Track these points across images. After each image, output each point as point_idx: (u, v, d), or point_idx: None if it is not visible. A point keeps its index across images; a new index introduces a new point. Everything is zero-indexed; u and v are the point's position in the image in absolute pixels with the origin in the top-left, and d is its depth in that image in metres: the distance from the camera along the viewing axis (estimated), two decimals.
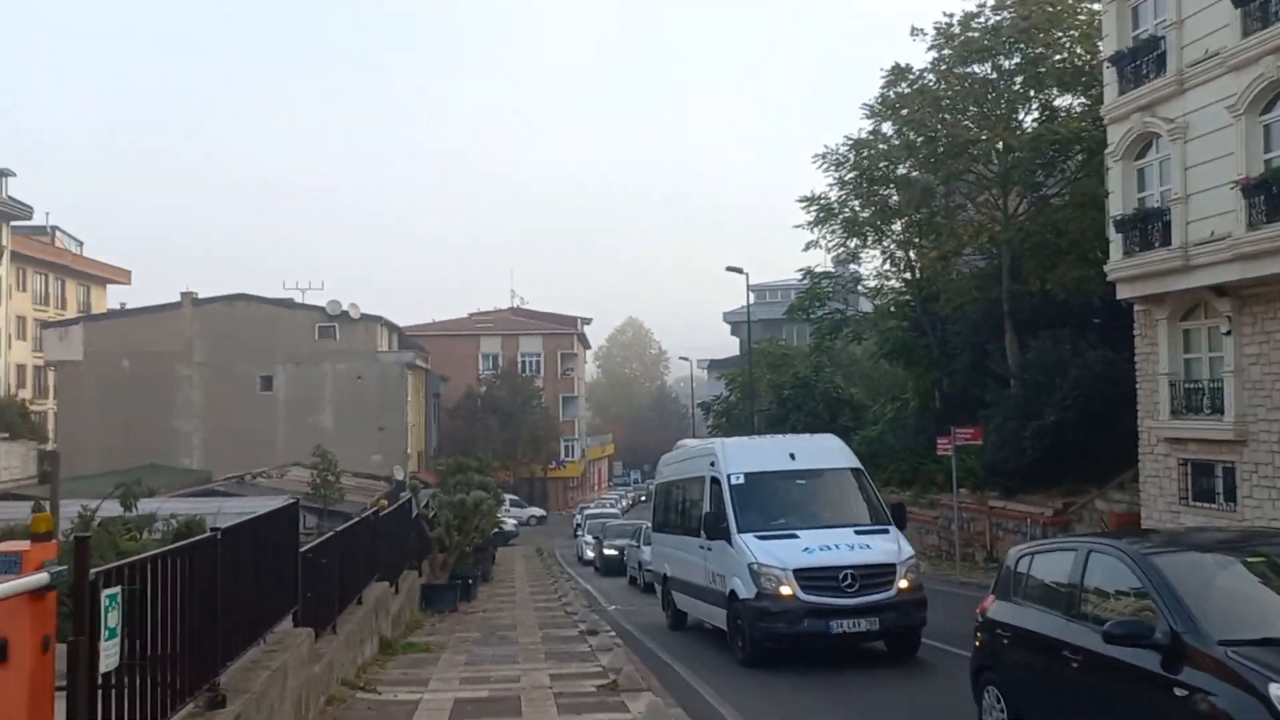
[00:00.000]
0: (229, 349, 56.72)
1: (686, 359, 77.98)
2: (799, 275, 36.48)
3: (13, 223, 59.47)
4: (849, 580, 11.80)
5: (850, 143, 31.42)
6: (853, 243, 34.23)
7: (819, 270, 35.25)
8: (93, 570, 4.71)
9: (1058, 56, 26.26)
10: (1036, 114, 27.09)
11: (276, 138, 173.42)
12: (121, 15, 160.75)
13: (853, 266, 35.79)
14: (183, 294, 58.06)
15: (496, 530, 30.77)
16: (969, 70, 27.38)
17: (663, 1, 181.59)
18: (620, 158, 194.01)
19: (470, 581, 22.23)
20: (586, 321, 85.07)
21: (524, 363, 78.56)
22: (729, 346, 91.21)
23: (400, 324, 65.07)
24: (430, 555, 21.15)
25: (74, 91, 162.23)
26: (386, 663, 12.50)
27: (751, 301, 79.52)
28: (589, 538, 36.16)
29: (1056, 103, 26.74)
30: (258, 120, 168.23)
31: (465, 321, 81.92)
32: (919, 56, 33.71)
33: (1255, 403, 17.46)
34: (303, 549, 9.36)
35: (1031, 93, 26.27)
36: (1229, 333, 17.85)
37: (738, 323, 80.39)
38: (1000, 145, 26.02)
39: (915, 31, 27.95)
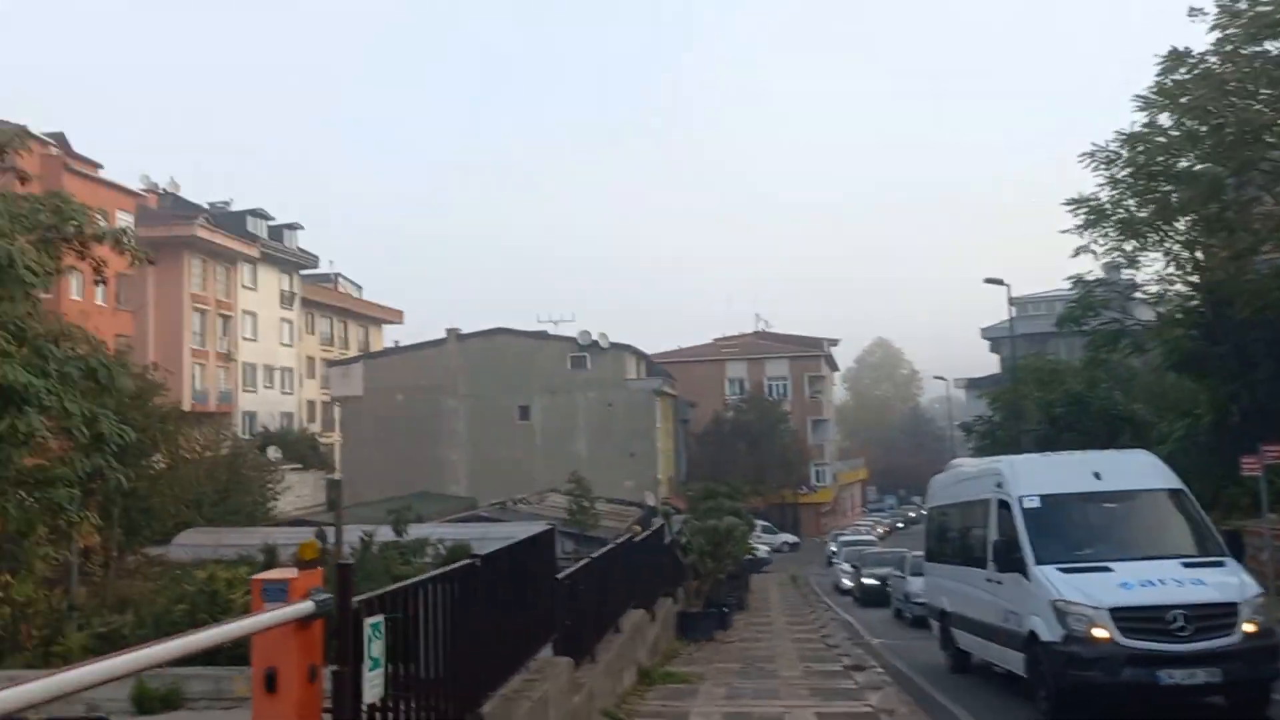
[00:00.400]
0: (490, 381, 59.60)
1: (942, 378, 74.58)
2: (1067, 285, 33.82)
3: (301, 271, 65.73)
4: (1180, 622, 9.83)
5: (1122, 138, 28.81)
6: (1129, 246, 31.31)
7: (1090, 278, 32.46)
8: (356, 599, 4.62)
9: None
10: None
11: (527, 181, 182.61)
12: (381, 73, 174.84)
13: (1128, 272, 32.73)
14: (448, 330, 61.70)
15: (749, 557, 30.28)
16: (1260, 49, 24.44)
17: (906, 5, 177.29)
18: (863, 171, 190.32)
19: (726, 610, 21.84)
20: (833, 343, 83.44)
21: (770, 387, 77.97)
22: (988, 364, 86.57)
23: (647, 351, 66.29)
24: (685, 582, 20.95)
25: (352, 149, 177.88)
26: (645, 693, 12.25)
27: (1013, 315, 75.70)
28: (845, 566, 35.02)
29: None
30: (513, 167, 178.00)
31: (710, 347, 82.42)
32: (1196, 39, 30.56)
33: None
34: (560, 575, 9.25)
35: None
36: None
37: (998, 338, 76.18)
38: None
39: (1194, 12, 25.29)
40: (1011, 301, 74.25)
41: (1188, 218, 26.85)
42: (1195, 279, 29.93)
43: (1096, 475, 11.64)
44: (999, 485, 12.01)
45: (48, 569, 15.62)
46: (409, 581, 5.31)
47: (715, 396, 75.43)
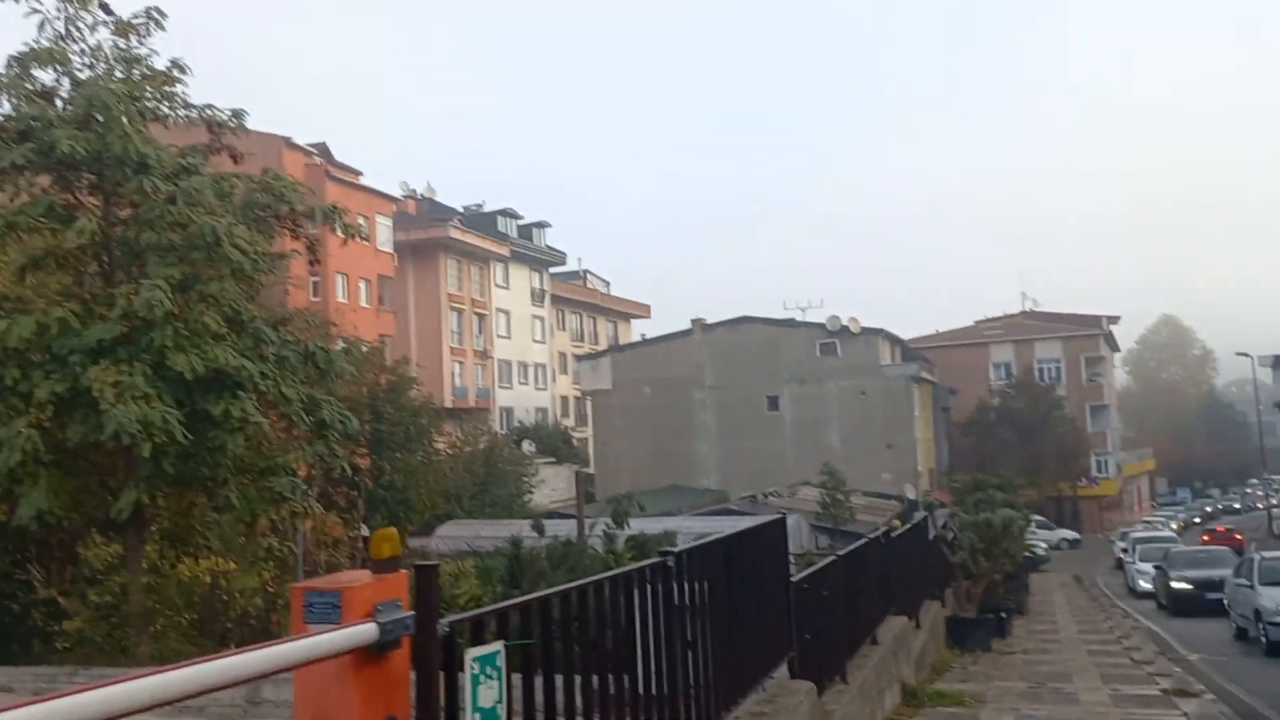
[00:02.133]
0: (736, 371, 58.18)
1: (1246, 355, 65.75)
2: None
3: (551, 269, 67.04)
4: None
5: None
6: None
7: None
8: (448, 619, 3.02)
9: None
10: None
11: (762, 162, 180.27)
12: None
13: None
14: (692, 321, 60.81)
15: (1027, 555, 27.00)
16: None
17: None
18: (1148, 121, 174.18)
19: (1004, 615, 19.12)
20: (1113, 320, 75.84)
21: (1041, 370, 71.81)
22: None
23: (902, 336, 62.64)
24: (954, 584, 18.45)
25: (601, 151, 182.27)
26: (912, 718, 10.17)
27: None
28: (1142, 565, 30.54)
29: None
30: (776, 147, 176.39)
31: (972, 330, 77.08)
32: None
33: None
34: (796, 578, 7.42)
35: None
36: None
37: None
38: None
39: None
40: None
41: None
42: None
43: None
44: None
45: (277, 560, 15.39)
46: (549, 591, 3.66)
47: (979, 382, 70.34)
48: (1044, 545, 45.14)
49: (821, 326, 58.43)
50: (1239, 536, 56.48)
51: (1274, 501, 65.74)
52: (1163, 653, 16.67)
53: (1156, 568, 26.96)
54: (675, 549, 4.82)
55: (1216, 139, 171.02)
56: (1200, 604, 23.41)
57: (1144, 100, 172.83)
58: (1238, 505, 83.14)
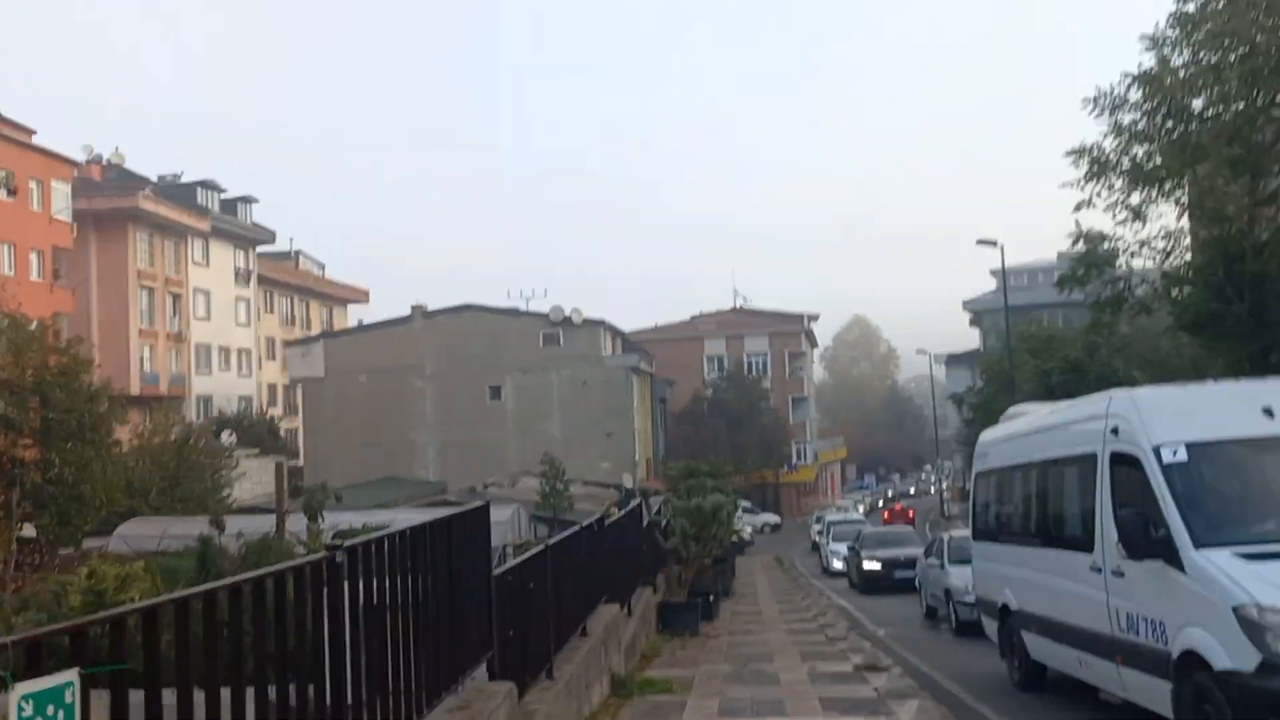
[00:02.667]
0: (458, 360, 57.10)
1: (924, 352, 72.51)
2: (1068, 243, 31.57)
3: (259, 248, 62.75)
4: None
5: (1129, 78, 26.58)
6: (1135, 198, 29.18)
7: (1094, 232, 30.24)
8: None
9: None
10: None
11: (490, 150, 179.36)
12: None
13: (1134, 226, 30.54)
14: (413, 307, 58.99)
15: (734, 539, 28.06)
16: None
17: None
18: (844, 143, 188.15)
19: (711, 598, 19.56)
20: (814, 318, 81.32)
21: (750, 363, 75.83)
22: (967, 339, 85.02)
23: (623, 329, 63.91)
24: (665, 569, 18.64)
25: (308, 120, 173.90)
26: (620, 709, 9.91)
27: (996, 287, 73.70)
28: (835, 546, 32.63)
29: None
30: (479, 131, 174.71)
31: (688, 324, 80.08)
32: None
33: None
34: (499, 570, 6.87)
35: None
36: None
37: (981, 311, 74.43)
38: None
39: None
40: (995, 274, 72.68)
41: (1207, 163, 24.57)
42: (1216, 232, 27.80)
43: (1268, 412, 7.89)
44: (1116, 431, 8.38)
45: None
46: (151, 602, 2.86)
47: (694, 374, 73.22)
48: (749, 529, 47.45)
49: (545, 317, 58.46)
50: (911, 513, 62.81)
51: (944, 485, 72.89)
52: (854, 629, 17.61)
53: (849, 548, 28.48)
54: (345, 543, 4.11)
55: (905, 166, 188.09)
56: (889, 582, 24.69)
57: (845, 122, 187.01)
58: (913, 489, 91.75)
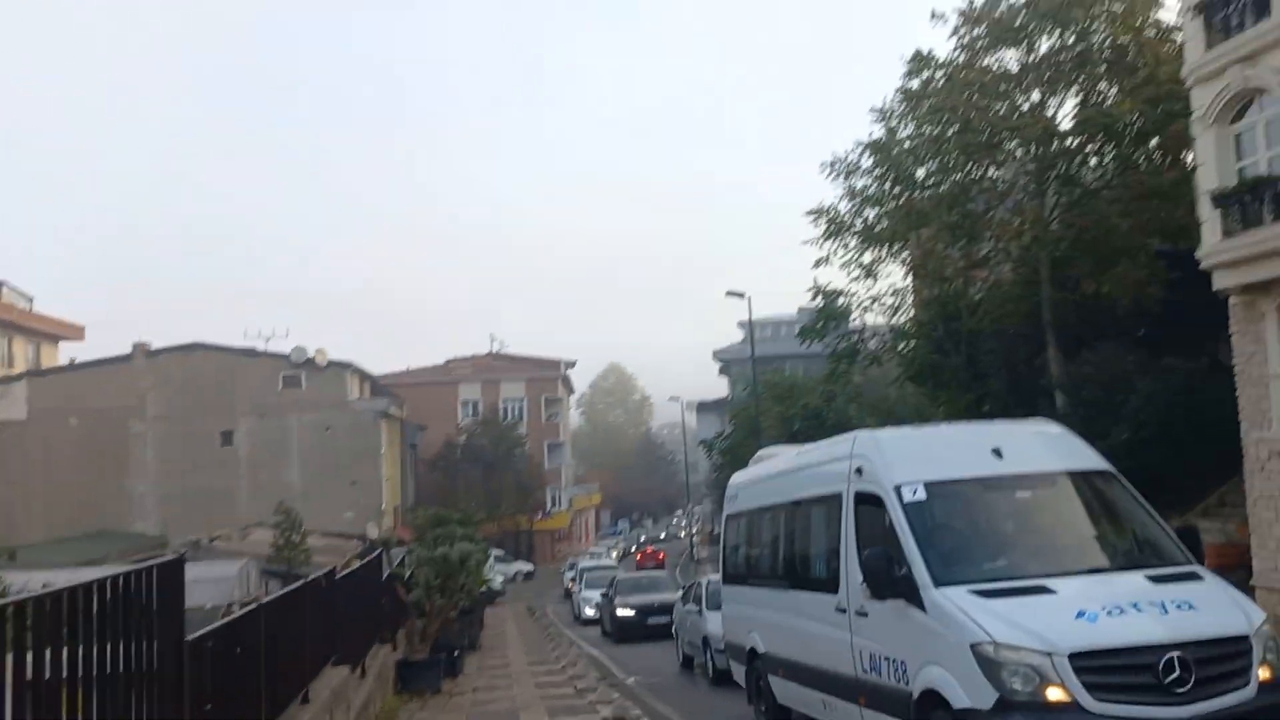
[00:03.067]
0: (186, 403, 52.96)
1: (677, 398, 74.47)
2: (809, 298, 33.27)
3: None
4: (1177, 670, 6.49)
5: (861, 146, 28.50)
6: (867, 258, 31.21)
7: (831, 288, 32.06)
8: None
9: (1097, 38, 23.50)
10: (1077, 99, 24.25)
11: (218, 184, 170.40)
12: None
13: (866, 283, 32.61)
14: (135, 345, 54.24)
15: (484, 589, 27.14)
16: (999, 57, 24.65)
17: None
18: (588, 198, 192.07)
19: (456, 653, 18.65)
20: (570, 364, 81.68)
21: (506, 409, 75.01)
22: (717, 388, 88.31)
23: (373, 372, 61.55)
24: (407, 623, 17.59)
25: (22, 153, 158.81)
26: None
27: (743, 338, 77.05)
28: (588, 593, 32.17)
29: (1100, 86, 23.86)
30: (199, 167, 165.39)
31: (442, 369, 78.35)
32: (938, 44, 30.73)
33: None
34: (196, 635, 5.92)
35: (1076, 75, 23.38)
36: None
37: (730, 361, 77.51)
38: (1040, 133, 23.03)
39: (935, 17, 25.22)
40: (741, 325, 75.96)
41: (929, 227, 26.56)
42: (937, 291, 30.08)
43: (997, 453, 8.15)
44: (859, 472, 8.46)
45: None
46: None
47: (448, 420, 71.51)
48: (501, 578, 46.44)
49: (285, 358, 55.31)
50: (662, 556, 64.12)
51: (694, 529, 74.77)
52: (605, 679, 17.22)
53: (603, 595, 27.83)
54: None
55: (647, 215, 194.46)
56: (643, 629, 24.03)
57: (598, 175, 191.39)
58: (665, 534, 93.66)
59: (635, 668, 19.22)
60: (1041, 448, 8.69)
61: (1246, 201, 15.95)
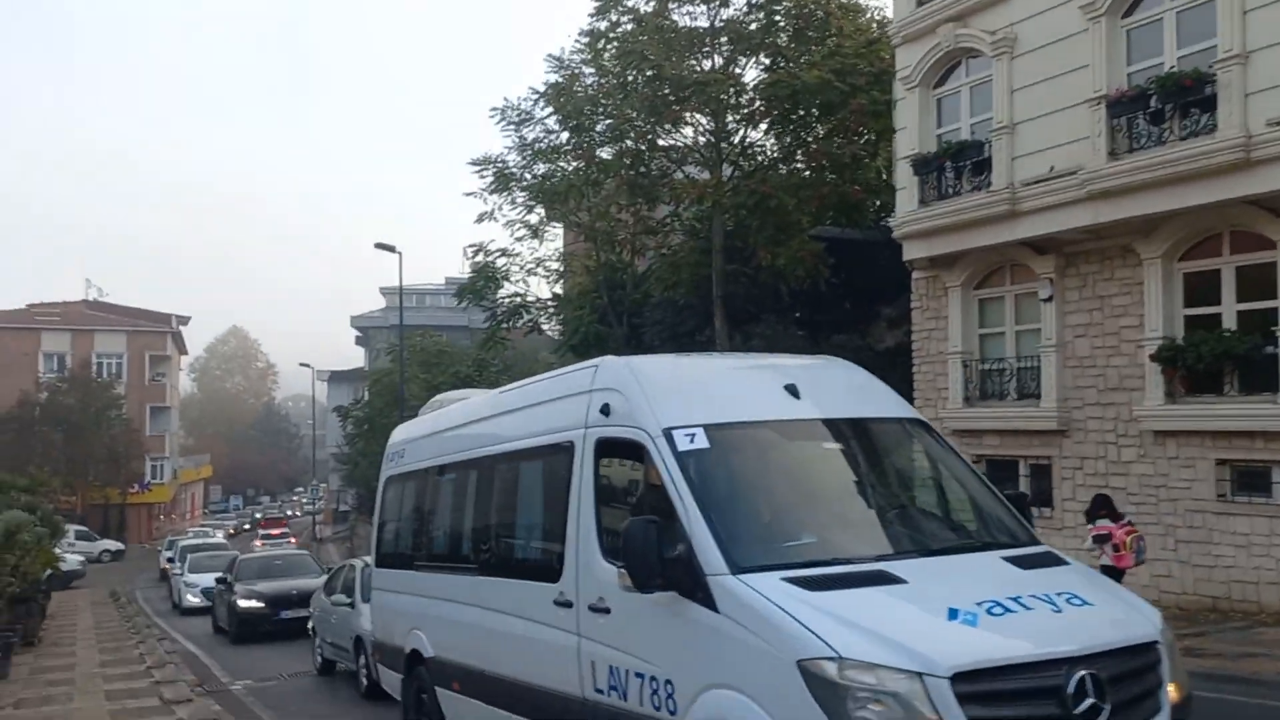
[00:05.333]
0: None
1: (308, 365, 68.44)
2: (460, 267, 30.81)
3: None
4: (1090, 696, 4.49)
5: (537, 94, 26.37)
6: (534, 218, 29.24)
7: (494, 247, 29.68)
8: None
9: (785, 3, 22.97)
10: (763, 66, 23.62)
11: None
12: None
13: (532, 244, 30.57)
14: None
15: (51, 571, 21.84)
16: (689, 10, 23.50)
17: None
18: (227, 148, 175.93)
19: None
20: (183, 320, 72.71)
21: (101, 365, 65.07)
22: (353, 358, 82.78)
23: None
24: None
25: None
26: None
27: (384, 306, 72.46)
28: (193, 577, 26.57)
29: (787, 53, 23.32)
30: None
31: (22, 313, 66.61)
32: None
33: (1082, 383, 14.50)
34: None
35: (763, 38, 22.62)
36: (1050, 299, 14.82)
37: (369, 328, 72.63)
38: (726, 92, 22.03)
39: None
40: (385, 291, 71.60)
41: (610, 180, 24.95)
42: (602, 255, 28.64)
43: (792, 392, 6.00)
44: (606, 411, 6.03)
45: None
46: None
47: (26, 373, 60.69)
48: (81, 558, 39.48)
49: None
50: (285, 522, 58.30)
51: (319, 506, 69.43)
52: (201, 685, 13.51)
53: (220, 580, 21.71)
54: None
55: (302, 178, 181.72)
56: (275, 624, 18.92)
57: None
58: (287, 512, 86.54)
59: (250, 672, 15.31)
60: (843, 389, 6.51)
61: (945, 168, 15.56)
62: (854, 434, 6.23)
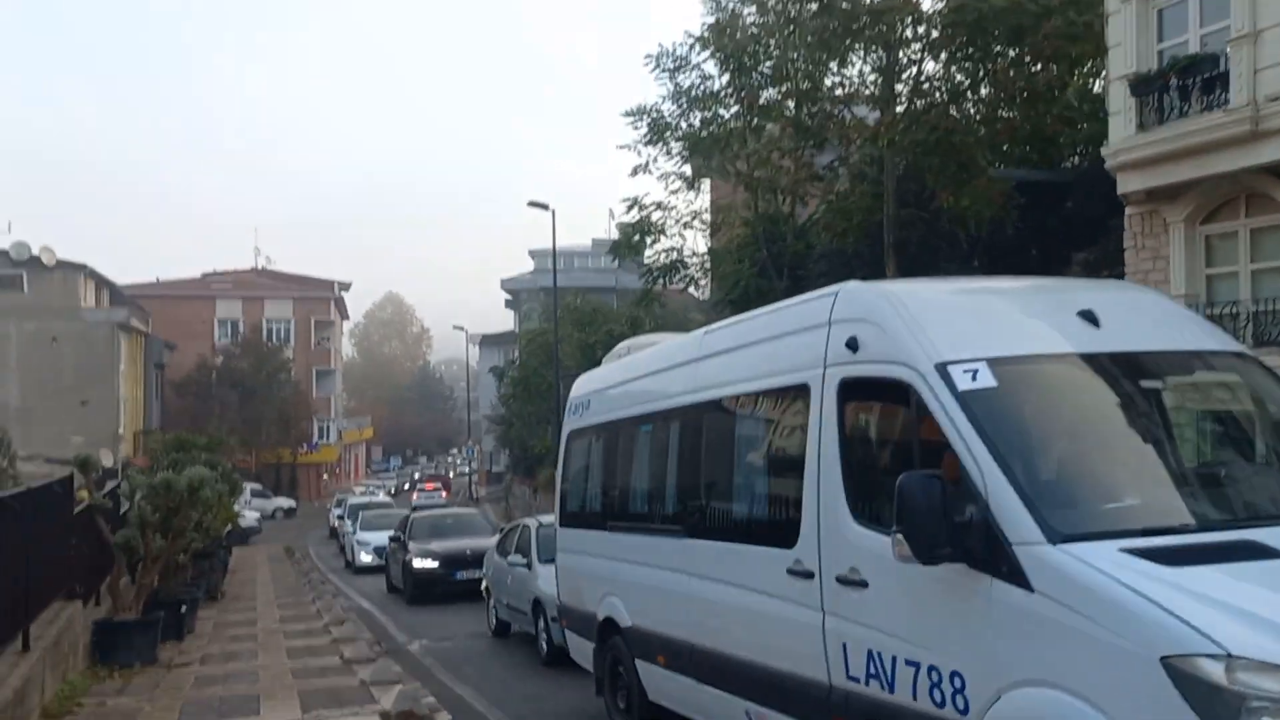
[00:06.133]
0: None
1: (461, 328, 69.67)
2: (606, 229, 30.12)
3: None
4: None
5: (694, 39, 25.22)
6: (689, 168, 28.29)
7: (648, 200, 28.84)
8: None
9: None
10: None
11: None
12: None
13: (688, 197, 29.59)
14: None
15: (230, 527, 22.46)
16: None
17: None
18: (380, 118, 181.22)
19: (184, 608, 14.34)
20: (345, 286, 75.08)
21: (270, 330, 67.90)
22: (504, 321, 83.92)
23: (114, 280, 53.54)
24: (114, 572, 13.12)
25: None
26: None
27: (533, 268, 72.97)
28: (366, 535, 26.38)
29: None
30: None
31: (199, 282, 70.10)
32: None
33: None
34: None
35: None
36: None
37: (519, 291, 73.32)
38: (905, 18, 20.37)
39: None
40: (534, 254, 71.99)
41: (776, 124, 23.70)
42: (762, 205, 27.43)
43: (1089, 319, 4.85)
44: (853, 346, 5.01)
45: None
46: None
47: (203, 339, 63.94)
48: (257, 515, 41.14)
49: (4, 254, 46.95)
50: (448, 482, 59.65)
51: (473, 467, 70.89)
52: (378, 642, 13.34)
53: (393, 539, 21.24)
54: None
55: (446, 134, 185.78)
56: (449, 586, 18.21)
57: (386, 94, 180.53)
58: (443, 472, 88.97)
59: (426, 631, 14.99)
60: (1148, 317, 5.25)
61: (1170, 87, 13.76)
62: (1172, 370, 5.07)
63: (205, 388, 59.68)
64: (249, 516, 35.80)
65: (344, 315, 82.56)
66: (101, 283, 51.74)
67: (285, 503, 56.09)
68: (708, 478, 6.60)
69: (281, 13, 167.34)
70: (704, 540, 6.36)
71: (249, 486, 44.66)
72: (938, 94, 22.11)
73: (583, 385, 9.43)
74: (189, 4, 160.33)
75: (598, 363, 35.13)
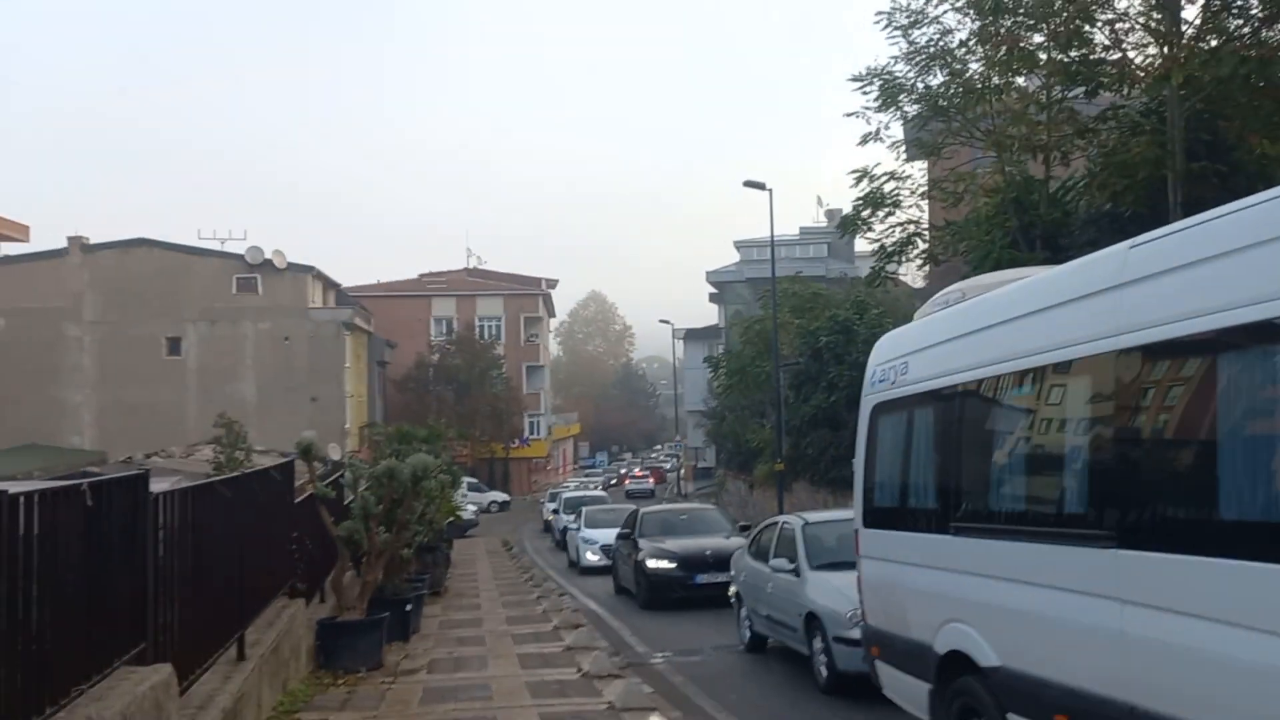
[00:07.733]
0: (128, 305, 47.17)
1: (667, 322, 68.73)
2: (814, 214, 27.66)
3: None
4: None
5: None
6: (924, 134, 25.56)
7: (880, 171, 26.29)
8: None
9: None
10: None
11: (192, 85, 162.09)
12: None
13: (923, 165, 26.91)
14: (69, 239, 48.05)
15: (452, 520, 21.75)
16: None
17: None
18: (579, 117, 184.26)
19: (409, 607, 13.36)
20: (552, 283, 75.70)
21: (482, 328, 69.16)
22: (707, 315, 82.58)
23: (338, 281, 55.61)
24: (337, 567, 12.20)
25: None
26: None
27: (737, 260, 71.26)
28: (591, 533, 24.03)
29: None
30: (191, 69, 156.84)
31: (415, 282, 72.33)
32: None
33: None
34: None
35: None
36: None
37: (724, 283, 71.69)
38: None
39: None
40: (739, 246, 70.18)
41: (1038, 71, 20.86)
42: (1015, 166, 24.44)
43: None
44: None
45: None
46: None
47: (420, 337, 65.76)
48: (474, 508, 41.28)
49: (240, 259, 49.38)
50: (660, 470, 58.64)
51: (679, 463, 69.84)
52: (617, 654, 11.79)
53: (621, 537, 19.40)
54: None
55: (648, 142, 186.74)
56: (688, 591, 16.20)
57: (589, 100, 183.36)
58: (646, 468, 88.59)
59: (667, 642, 13.10)
60: None
61: None
62: None
63: (423, 384, 61.25)
64: (469, 509, 35.71)
65: (551, 313, 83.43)
66: (328, 284, 53.74)
67: (499, 496, 56.71)
68: (1166, 458, 4.46)
69: (488, 43, 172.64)
70: (1160, 553, 4.23)
71: (466, 480, 45.14)
72: (1238, 21, 18.71)
73: (892, 345, 7.35)
74: (422, 46, 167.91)
75: (820, 350, 32.17)
